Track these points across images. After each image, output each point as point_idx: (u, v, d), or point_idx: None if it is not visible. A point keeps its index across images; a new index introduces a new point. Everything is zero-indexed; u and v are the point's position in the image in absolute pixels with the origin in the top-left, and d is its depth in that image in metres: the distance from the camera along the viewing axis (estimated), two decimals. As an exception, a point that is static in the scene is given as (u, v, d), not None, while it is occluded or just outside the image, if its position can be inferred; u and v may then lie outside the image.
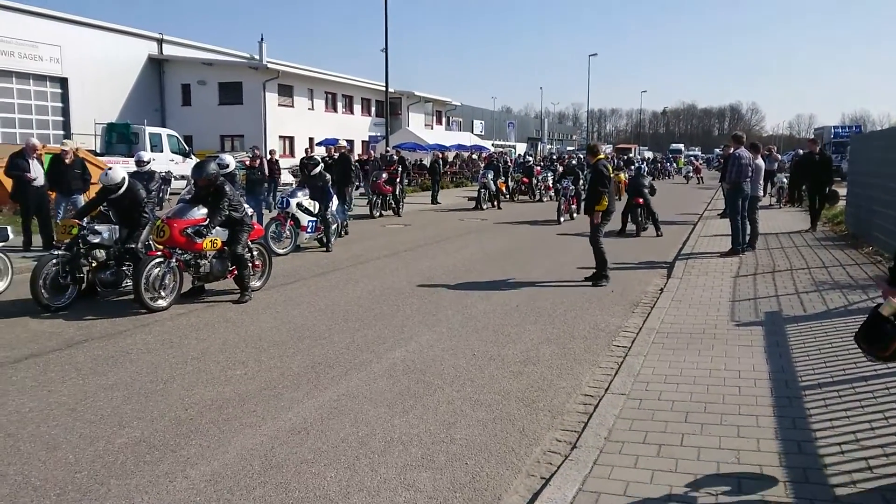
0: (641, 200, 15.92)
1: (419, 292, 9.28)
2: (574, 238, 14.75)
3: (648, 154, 69.54)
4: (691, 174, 44.33)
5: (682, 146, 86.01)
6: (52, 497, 3.76)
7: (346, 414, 4.96)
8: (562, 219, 18.37)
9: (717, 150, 73.62)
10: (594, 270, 9.87)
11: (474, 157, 40.64)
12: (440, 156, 29.02)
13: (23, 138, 23.05)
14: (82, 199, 12.70)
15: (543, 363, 6.20)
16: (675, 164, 55.07)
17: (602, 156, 10.02)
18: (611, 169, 10.21)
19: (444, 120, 56.54)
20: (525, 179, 27.95)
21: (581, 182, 19.80)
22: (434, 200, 24.39)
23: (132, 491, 3.83)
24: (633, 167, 24.39)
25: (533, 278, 10.23)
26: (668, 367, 5.85)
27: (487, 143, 49.34)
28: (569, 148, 62.62)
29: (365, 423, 4.80)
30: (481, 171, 24.98)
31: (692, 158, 56.87)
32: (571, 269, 10.75)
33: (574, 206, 19.59)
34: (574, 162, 21.19)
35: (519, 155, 46.68)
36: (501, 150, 47.79)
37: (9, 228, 9.16)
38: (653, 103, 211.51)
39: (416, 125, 47.87)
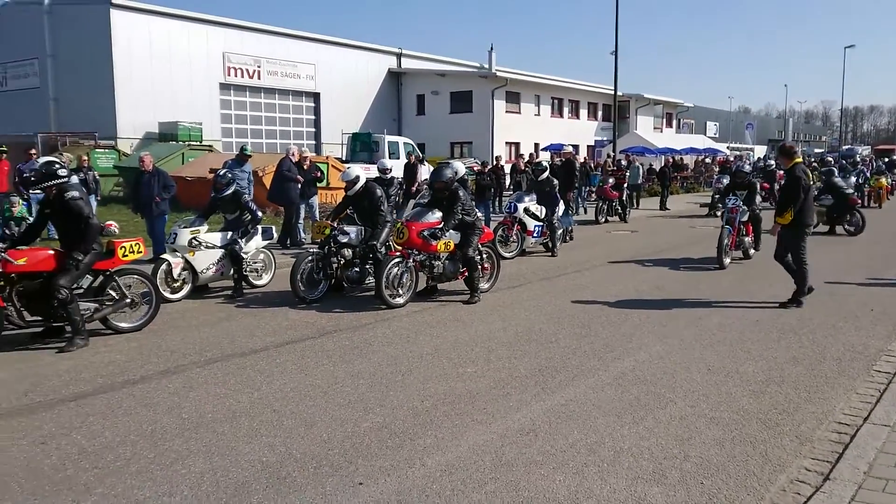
0: (859, 201, 14.77)
1: (647, 301, 9.00)
2: (834, 245, 13.30)
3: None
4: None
5: (961, 146, 74.40)
6: (310, 469, 4.19)
7: (573, 419, 4.96)
8: (727, 259, 11.65)
9: None
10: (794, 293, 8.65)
11: (707, 160, 38.49)
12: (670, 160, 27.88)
13: (282, 148, 26.01)
14: (316, 201, 14.06)
15: (789, 384, 5.71)
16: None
17: (799, 159, 8.69)
18: (810, 176, 8.71)
19: (674, 122, 54.22)
20: (766, 185, 25.86)
21: (758, 199, 13.09)
22: (663, 206, 23.50)
23: (376, 472, 4.15)
24: (829, 166, 20.83)
25: (776, 291, 9.43)
26: (945, 399, 5.11)
27: (722, 146, 46.45)
28: (817, 150, 56.75)
29: (593, 430, 4.76)
30: (716, 177, 23.58)
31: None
32: (820, 283, 9.73)
33: (750, 238, 12.55)
34: (765, 165, 13.40)
35: (759, 158, 43.37)
36: (738, 153, 44.72)
37: (273, 228, 10.37)
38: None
39: (645, 128, 46.43)
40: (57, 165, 7.15)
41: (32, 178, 7.49)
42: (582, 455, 4.37)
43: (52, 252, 6.96)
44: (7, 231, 12.38)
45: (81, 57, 29.39)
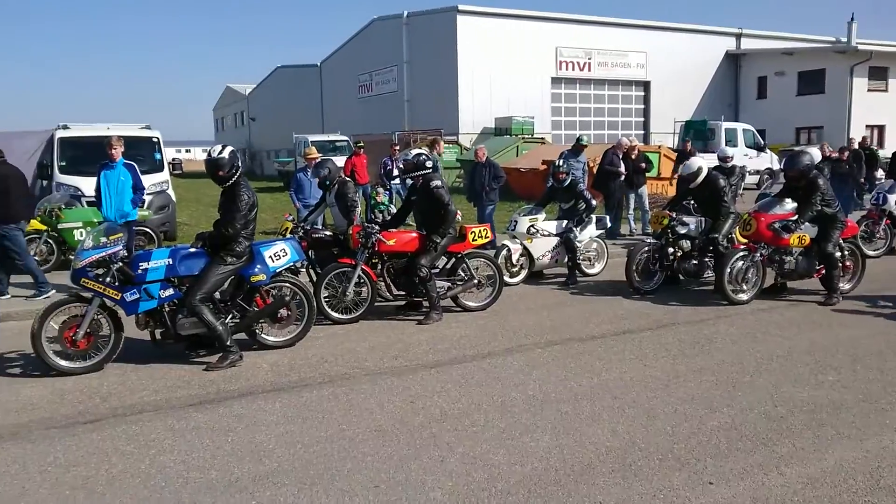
0: None
1: None
2: None
3: None
4: None
5: None
6: (655, 460, 4.11)
7: (974, 449, 4.15)
8: None
9: None
10: None
11: None
12: None
13: (609, 138, 25.97)
14: (645, 191, 13.67)
15: None
16: None
17: None
18: None
19: None
20: None
21: None
22: None
23: (727, 473, 3.92)
24: None
25: None
26: None
27: None
28: None
29: None
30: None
31: None
32: None
33: None
34: None
35: None
36: None
37: (607, 218, 10.38)
38: None
39: None
40: (424, 157, 8.09)
41: (403, 169, 8.50)
42: None
43: (415, 234, 7.84)
44: (373, 216, 14.24)
45: (431, 61, 32.58)
